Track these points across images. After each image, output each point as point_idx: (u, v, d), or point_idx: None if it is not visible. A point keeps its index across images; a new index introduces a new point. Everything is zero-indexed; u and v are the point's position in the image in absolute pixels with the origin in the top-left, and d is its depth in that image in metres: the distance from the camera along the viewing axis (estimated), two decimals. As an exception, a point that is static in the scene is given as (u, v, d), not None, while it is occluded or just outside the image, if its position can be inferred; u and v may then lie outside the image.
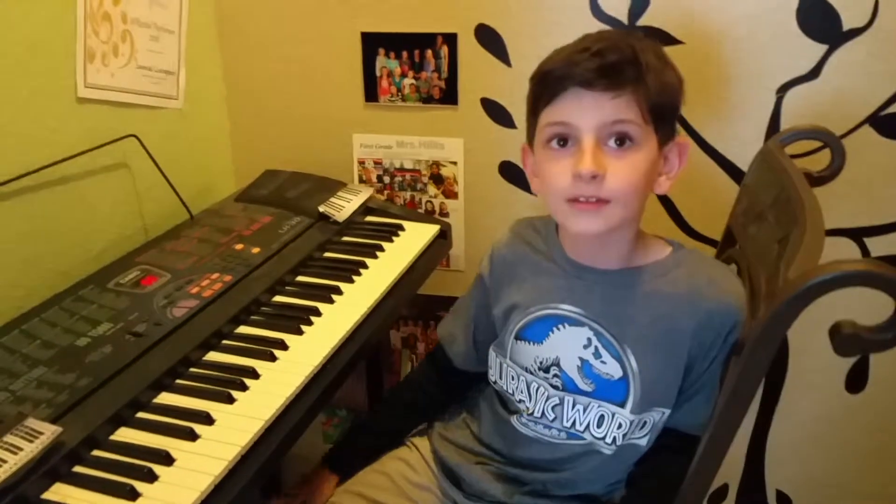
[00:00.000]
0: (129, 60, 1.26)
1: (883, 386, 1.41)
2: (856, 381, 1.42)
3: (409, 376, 1.18)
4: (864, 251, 1.33)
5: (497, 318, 1.00)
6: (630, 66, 0.80)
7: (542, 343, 0.94)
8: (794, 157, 0.98)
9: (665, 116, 0.84)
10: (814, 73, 1.26)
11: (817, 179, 1.01)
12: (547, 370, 0.94)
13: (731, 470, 1.56)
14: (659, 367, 0.89)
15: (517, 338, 0.96)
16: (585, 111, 0.81)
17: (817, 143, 1.05)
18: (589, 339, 0.91)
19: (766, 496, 1.56)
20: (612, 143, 0.81)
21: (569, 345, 0.92)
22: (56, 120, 1.13)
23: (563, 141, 0.84)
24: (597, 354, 0.91)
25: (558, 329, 0.93)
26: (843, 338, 0.64)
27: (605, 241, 0.89)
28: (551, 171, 0.84)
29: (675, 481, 0.87)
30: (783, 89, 1.28)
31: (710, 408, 0.89)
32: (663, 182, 0.88)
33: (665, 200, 1.39)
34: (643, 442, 0.94)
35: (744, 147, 1.31)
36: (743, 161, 1.32)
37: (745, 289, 0.91)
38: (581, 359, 0.92)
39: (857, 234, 1.33)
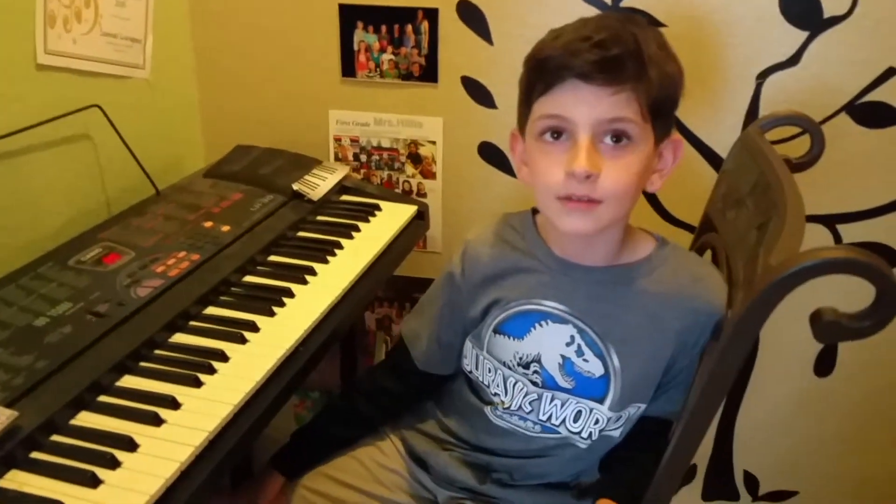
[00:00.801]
0: (93, 26, 1.21)
1: (851, 370, 1.43)
2: (824, 364, 1.44)
3: (361, 385, 1.09)
4: (837, 238, 1.34)
5: (472, 318, 0.96)
6: (632, 59, 0.76)
7: (522, 339, 0.92)
8: (772, 143, 0.97)
9: (664, 112, 0.81)
10: (794, 60, 1.25)
11: (797, 166, 1.00)
12: (527, 366, 0.92)
13: (699, 451, 1.56)
14: (641, 365, 0.89)
15: (496, 331, 0.94)
16: (583, 106, 0.77)
17: (796, 130, 1.05)
18: (572, 337, 0.89)
19: (734, 477, 1.59)
20: (608, 140, 0.78)
21: (551, 342, 0.90)
22: (14, 88, 1.08)
23: (557, 134, 0.80)
24: (580, 352, 0.89)
25: (541, 325, 0.91)
26: (824, 325, 0.64)
27: (594, 239, 0.87)
28: (543, 165, 0.81)
29: (648, 466, 0.87)
30: (763, 75, 1.27)
31: (684, 395, 0.90)
32: (656, 180, 0.86)
33: (643, 184, 1.38)
34: (617, 434, 0.94)
35: (723, 133, 1.31)
36: (722, 147, 1.32)
37: (723, 274, 0.90)
38: (563, 356, 0.90)
39: (830, 221, 1.34)
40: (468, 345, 0.98)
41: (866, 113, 1.26)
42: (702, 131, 1.33)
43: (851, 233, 1.33)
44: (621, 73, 0.76)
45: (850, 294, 0.65)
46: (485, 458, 0.99)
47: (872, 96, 1.24)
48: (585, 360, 0.89)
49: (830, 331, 0.64)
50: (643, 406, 0.92)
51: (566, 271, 0.90)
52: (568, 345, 0.90)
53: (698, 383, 0.81)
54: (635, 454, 0.94)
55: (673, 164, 0.86)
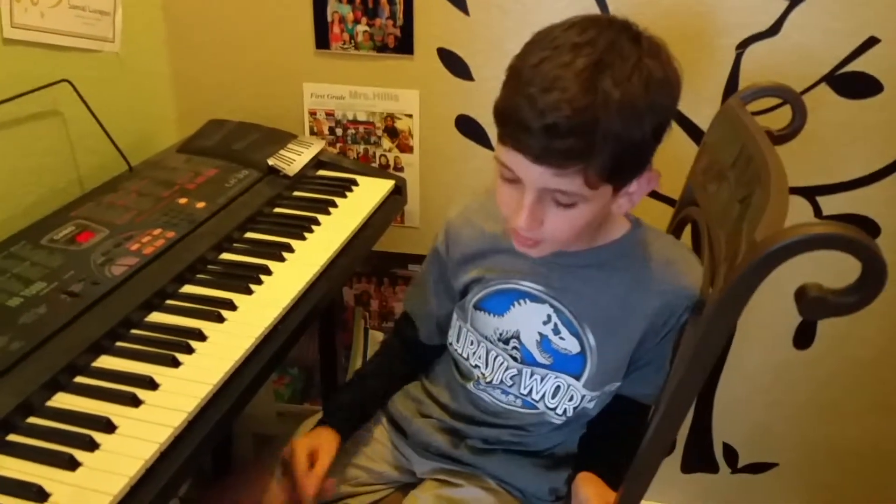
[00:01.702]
0: (61, -1, 1.17)
1: (830, 342, 1.45)
2: (803, 337, 1.45)
3: (382, 349, 1.14)
4: (817, 210, 1.34)
5: (458, 291, 0.99)
6: (584, 143, 0.71)
7: (502, 315, 0.94)
8: (753, 114, 0.97)
9: (624, 172, 0.78)
10: (774, 30, 1.25)
11: (779, 138, 1.00)
12: (506, 342, 0.95)
13: (679, 423, 1.59)
14: (615, 345, 0.90)
15: (476, 307, 0.96)
16: (529, 174, 0.76)
17: (776, 101, 1.05)
18: (549, 316, 0.91)
19: (713, 449, 1.61)
20: (552, 202, 0.78)
21: (529, 320, 0.92)
22: (-21, 63, 1.05)
23: (513, 178, 0.79)
24: (556, 330, 0.91)
25: (519, 304, 0.93)
26: (809, 301, 0.64)
27: None
28: (502, 195, 0.82)
29: (627, 443, 0.87)
30: (743, 45, 1.26)
31: (661, 378, 0.91)
32: (624, 203, 0.83)
33: (623, 157, 1.37)
34: (591, 406, 0.95)
35: (703, 105, 1.30)
36: (702, 119, 1.31)
37: (704, 249, 0.90)
38: (540, 334, 0.92)
39: (810, 193, 1.34)
40: (454, 316, 1.00)
41: (847, 83, 1.25)
42: (681, 103, 1.27)
43: (832, 204, 1.34)
44: (568, 159, 0.73)
45: (831, 265, 0.65)
46: (461, 425, 1.00)
47: (853, 66, 1.24)
48: (562, 339, 0.91)
49: (816, 307, 0.63)
50: (617, 383, 0.94)
51: None
52: (545, 323, 0.91)
53: (681, 359, 0.81)
54: (614, 430, 0.96)
55: (647, 188, 0.83)
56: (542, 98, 0.72)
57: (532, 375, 0.94)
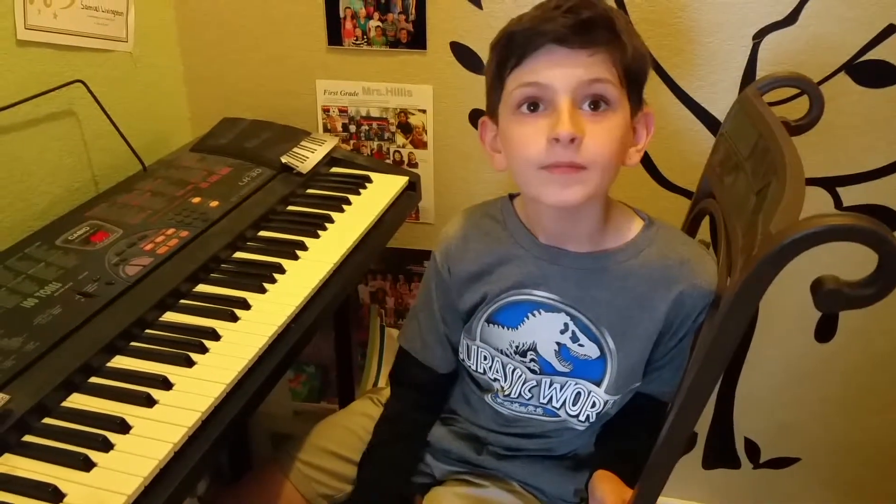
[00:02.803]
0: (74, 0, 1.18)
1: (852, 336, 1.42)
2: (825, 330, 1.43)
3: (386, 425, 1.03)
4: (837, 201, 1.32)
5: (463, 312, 0.96)
6: (605, 24, 0.77)
7: (517, 328, 0.92)
8: (769, 104, 0.95)
9: (638, 82, 0.82)
10: (791, 19, 1.22)
11: (795, 128, 0.98)
12: (524, 354, 0.92)
13: (699, 418, 1.57)
14: (634, 347, 0.88)
15: (489, 322, 0.93)
16: (561, 69, 0.76)
17: (794, 91, 1.03)
18: (566, 325, 0.89)
19: (735, 444, 1.59)
20: (587, 106, 0.78)
21: (546, 330, 0.90)
22: (-6, 65, 1.06)
23: (535, 105, 0.79)
24: (574, 338, 0.89)
25: (534, 315, 0.90)
26: (825, 293, 0.63)
27: (576, 216, 0.85)
28: (522, 137, 0.79)
29: (644, 438, 0.86)
30: (760, 35, 1.24)
31: (680, 377, 0.90)
32: (633, 154, 0.85)
33: (639, 150, 1.36)
34: (612, 410, 0.94)
35: (720, 95, 1.29)
36: (718, 109, 1.29)
37: (721, 241, 0.89)
38: (558, 343, 0.90)
39: (830, 184, 1.32)
40: (461, 335, 0.98)
41: (866, 72, 1.23)
42: (698, 94, 1.30)
43: (852, 195, 1.31)
44: (596, 34, 0.77)
45: (850, 256, 0.64)
46: (482, 433, 0.99)
47: (872, 55, 1.22)
48: (581, 345, 0.89)
49: (832, 300, 0.62)
50: (637, 385, 0.92)
51: (554, 259, 0.89)
52: (562, 332, 0.90)
53: (698, 353, 0.80)
54: (631, 426, 0.94)
55: (647, 138, 0.85)
56: (551, 2, 0.79)
57: (551, 385, 0.92)
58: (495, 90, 0.84)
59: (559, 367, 0.91)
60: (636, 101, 0.82)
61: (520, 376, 0.93)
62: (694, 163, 1.07)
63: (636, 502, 0.80)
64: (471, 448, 0.99)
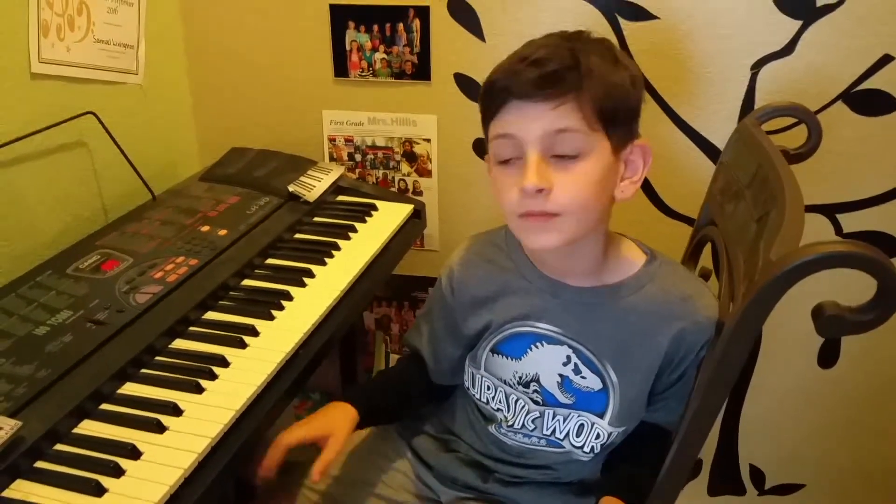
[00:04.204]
0: (86, 34, 1.20)
1: (855, 361, 1.42)
2: (828, 356, 1.44)
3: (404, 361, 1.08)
4: (837, 227, 1.33)
5: (468, 337, 0.96)
6: (570, 72, 0.77)
7: (520, 359, 0.92)
8: (769, 133, 0.97)
9: (617, 119, 0.80)
10: (788, 49, 1.25)
11: (794, 157, 1.00)
12: (527, 385, 0.93)
13: (704, 445, 1.57)
14: (636, 379, 0.89)
15: (493, 352, 0.94)
16: (527, 123, 0.78)
17: (792, 120, 1.05)
18: (568, 357, 0.90)
19: (740, 471, 1.58)
20: (552, 158, 0.79)
21: (548, 362, 0.91)
22: (9, 97, 1.08)
23: (510, 157, 0.81)
24: (577, 370, 0.90)
25: (537, 347, 0.91)
26: (826, 319, 0.64)
27: (571, 254, 0.86)
28: (501, 186, 0.82)
29: (650, 464, 0.87)
30: (758, 65, 1.27)
31: (681, 405, 0.89)
32: (627, 187, 0.84)
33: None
34: (617, 440, 0.94)
35: (719, 124, 1.31)
36: (718, 138, 1.31)
37: (723, 268, 0.90)
38: (561, 375, 0.91)
39: (830, 211, 1.33)
40: (466, 363, 0.99)
41: (863, 101, 1.25)
42: (698, 123, 1.32)
43: (852, 222, 1.33)
44: (560, 86, 0.77)
45: (851, 283, 0.65)
46: (489, 462, 1.00)
47: (868, 84, 1.24)
48: (583, 378, 0.90)
49: (833, 325, 0.63)
50: (641, 416, 0.93)
51: (556, 293, 0.90)
52: (565, 364, 0.90)
53: (702, 379, 0.81)
54: (636, 455, 0.94)
55: (644, 169, 0.84)
56: (524, 50, 0.81)
57: (554, 417, 0.93)
58: (485, 136, 0.87)
59: (562, 398, 0.92)
60: (621, 135, 0.81)
61: (523, 407, 0.94)
62: (695, 190, 1.08)
63: (642, 528, 0.80)
64: (477, 476, 0.99)
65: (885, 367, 1.42)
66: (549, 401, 0.93)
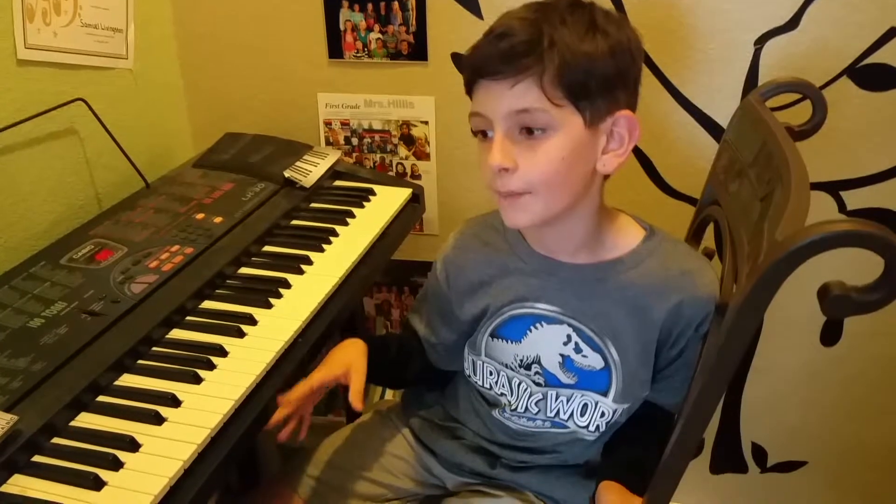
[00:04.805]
0: (73, 18, 1.18)
1: (857, 339, 1.42)
2: (831, 334, 1.43)
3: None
4: (841, 205, 1.32)
5: (465, 322, 0.96)
6: (530, 47, 0.75)
7: (520, 342, 0.92)
8: (773, 110, 0.95)
9: (590, 91, 0.76)
10: (792, 24, 1.23)
11: (799, 133, 0.98)
12: (528, 367, 0.92)
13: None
14: (635, 356, 0.88)
15: (493, 336, 0.94)
16: (492, 102, 0.78)
17: (797, 96, 1.03)
18: (569, 336, 0.89)
19: (742, 449, 1.58)
20: (521, 133, 0.78)
21: (548, 343, 0.90)
22: (-5, 85, 1.06)
23: (485, 133, 0.81)
24: (577, 349, 0.89)
25: (536, 328, 0.90)
26: (832, 299, 0.63)
27: (559, 230, 0.85)
28: (480, 162, 0.82)
29: (652, 446, 0.87)
30: (761, 41, 1.25)
31: (687, 388, 0.89)
32: (610, 160, 0.81)
33: (643, 158, 1.36)
34: (622, 419, 0.94)
35: (722, 101, 1.29)
36: (722, 116, 1.29)
37: (727, 248, 0.89)
38: (562, 355, 0.90)
39: (834, 188, 1.32)
40: (465, 351, 0.98)
41: (868, 76, 1.23)
42: (700, 100, 1.30)
43: (856, 199, 1.31)
44: (519, 63, 0.75)
45: (855, 260, 0.64)
46: (494, 448, 0.99)
47: (874, 58, 1.22)
48: (584, 357, 0.89)
49: (839, 305, 0.62)
50: (646, 394, 0.92)
51: (553, 271, 0.89)
52: (565, 344, 0.90)
53: (705, 361, 0.80)
54: (638, 436, 0.94)
55: (630, 142, 0.81)
56: (494, 25, 0.79)
57: (557, 398, 0.92)
58: None
59: (564, 378, 0.91)
60: (600, 107, 0.78)
61: (525, 389, 0.93)
62: (697, 169, 1.07)
63: (647, 511, 0.79)
64: (484, 462, 0.98)
65: (887, 345, 1.41)
66: (551, 382, 0.92)
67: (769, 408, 1.53)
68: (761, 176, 0.84)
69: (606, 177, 0.85)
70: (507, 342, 0.93)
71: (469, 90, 0.82)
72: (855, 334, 1.42)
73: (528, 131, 0.77)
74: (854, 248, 0.60)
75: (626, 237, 0.89)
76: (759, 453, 1.58)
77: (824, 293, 0.63)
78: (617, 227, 0.89)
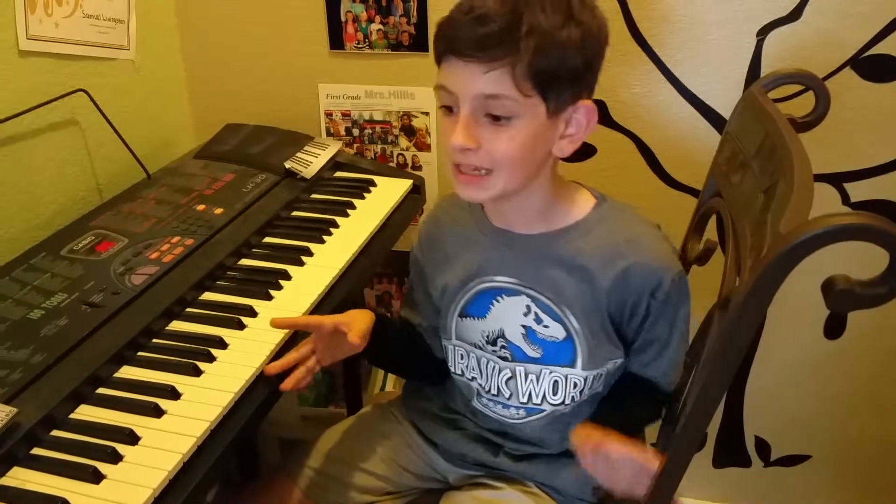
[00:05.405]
0: (75, 9, 1.17)
1: (861, 332, 1.41)
2: (834, 327, 1.42)
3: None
4: (845, 196, 1.31)
5: (437, 298, 0.97)
6: (508, 33, 0.75)
7: (485, 317, 0.93)
8: (775, 101, 0.94)
9: (557, 82, 0.77)
10: (795, 15, 1.22)
11: (802, 125, 0.97)
12: (494, 342, 0.93)
13: (708, 417, 1.57)
14: (596, 322, 0.89)
15: (462, 316, 0.95)
16: (462, 81, 0.78)
17: (799, 87, 1.02)
18: (528, 307, 0.90)
19: (745, 443, 1.58)
20: (487, 117, 0.78)
21: (510, 315, 0.91)
22: (-4, 76, 1.05)
23: (450, 108, 0.81)
24: (538, 320, 0.90)
25: (497, 301, 0.92)
26: (837, 293, 0.62)
27: (514, 203, 0.87)
28: (445, 133, 0.82)
29: (638, 410, 0.92)
30: (764, 31, 1.24)
31: (664, 364, 0.91)
32: (565, 146, 0.83)
33: (644, 149, 1.35)
34: (601, 388, 0.94)
35: (725, 92, 1.28)
36: (724, 107, 1.29)
37: (729, 240, 0.88)
38: (524, 326, 0.91)
39: (838, 180, 1.31)
40: (441, 338, 0.99)
41: (871, 67, 1.22)
42: (703, 91, 1.30)
43: (860, 191, 1.31)
44: (495, 50, 0.75)
45: (860, 253, 0.63)
46: (496, 437, 0.99)
47: (877, 49, 1.21)
48: (546, 327, 0.90)
49: (843, 299, 0.62)
50: (619, 360, 0.92)
51: (510, 243, 0.90)
52: (525, 314, 0.90)
53: (709, 354, 0.79)
54: (625, 401, 0.95)
55: (587, 129, 0.83)
56: (474, 2, 0.77)
57: (527, 377, 0.93)
58: None
59: (530, 351, 0.92)
60: (563, 97, 0.79)
61: (494, 367, 0.94)
62: (699, 161, 1.06)
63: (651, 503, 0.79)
64: (487, 451, 0.98)
65: (891, 338, 1.40)
66: (518, 356, 0.92)
67: (773, 401, 1.52)
68: (764, 168, 0.83)
69: None
70: (474, 319, 0.94)
71: (438, 62, 0.81)
72: (859, 327, 1.41)
73: (494, 118, 0.78)
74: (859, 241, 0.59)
75: (579, 206, 0.90)
76: (763, 447, 1.58)
77: (829, 287, 0.62)
78: (571, 197, 0.90)
